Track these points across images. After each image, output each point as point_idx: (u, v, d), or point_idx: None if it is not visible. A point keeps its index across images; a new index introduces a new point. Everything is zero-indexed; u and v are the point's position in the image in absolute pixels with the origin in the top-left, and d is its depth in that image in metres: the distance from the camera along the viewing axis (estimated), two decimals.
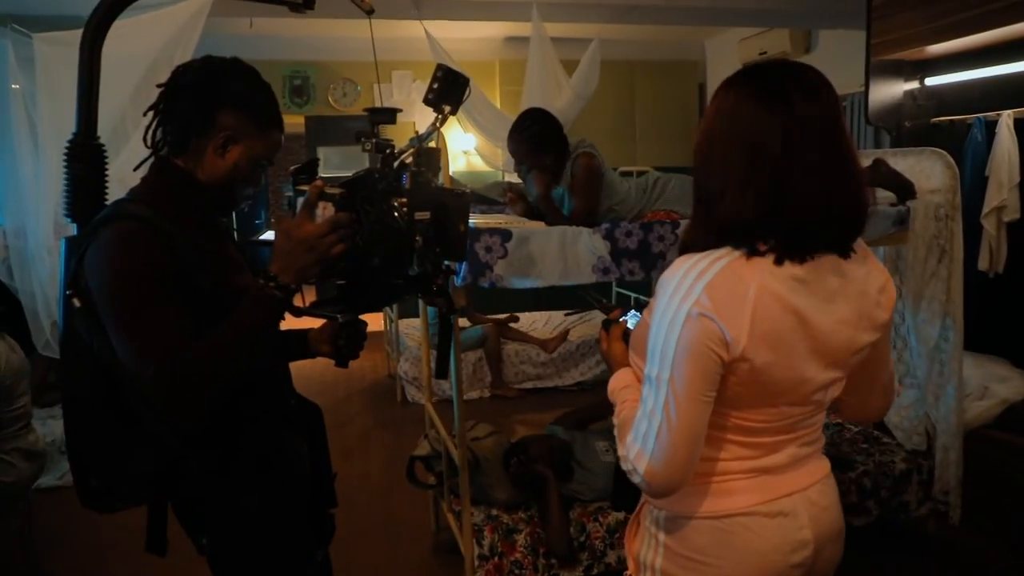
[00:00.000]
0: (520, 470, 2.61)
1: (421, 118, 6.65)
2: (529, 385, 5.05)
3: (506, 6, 4.25)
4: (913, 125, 3.59)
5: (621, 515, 2.58)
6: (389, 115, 1.40)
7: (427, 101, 1.40)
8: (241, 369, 1.15)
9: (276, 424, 1.35)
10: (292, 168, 1.38)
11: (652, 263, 2.50)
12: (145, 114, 1.34)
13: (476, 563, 2.43)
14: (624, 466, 1.07)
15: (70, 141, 1.46)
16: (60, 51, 3.43)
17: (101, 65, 1.51)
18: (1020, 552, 2.78)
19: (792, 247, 1.02)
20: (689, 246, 1.09)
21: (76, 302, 1.20)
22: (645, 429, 1.04)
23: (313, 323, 1.41)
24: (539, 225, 2.48)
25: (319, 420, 1.49)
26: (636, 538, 1.25)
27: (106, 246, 1.17)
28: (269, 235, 2.02)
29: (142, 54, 3.46)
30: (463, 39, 5.95)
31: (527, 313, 5.67)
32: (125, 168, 2.93)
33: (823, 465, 1.21)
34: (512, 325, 5.21)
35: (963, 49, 3.26)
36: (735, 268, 1.01)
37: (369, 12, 1.58)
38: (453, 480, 2.67)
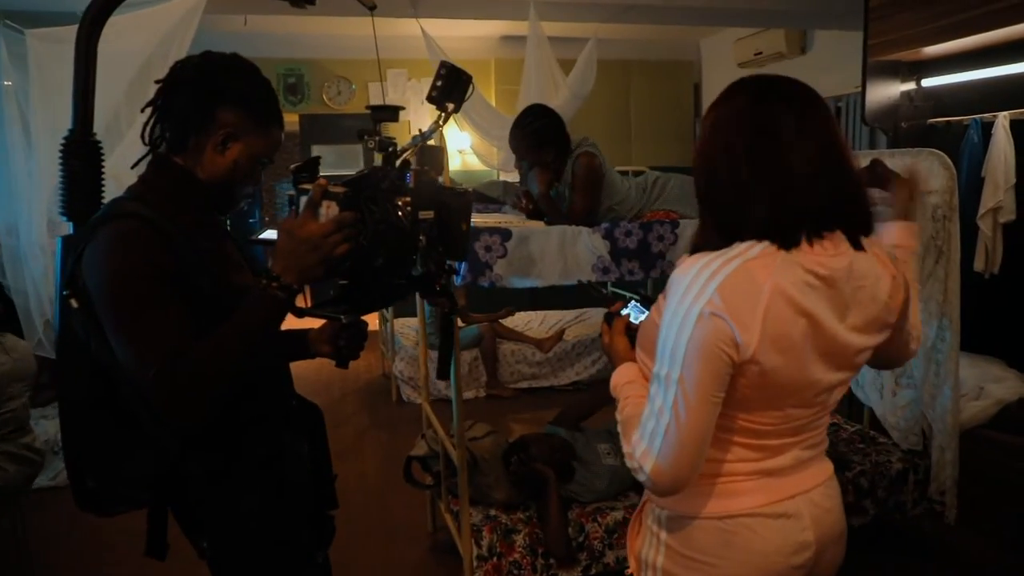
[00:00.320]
0: (520, 469, 2.60)
1: (416, 117, 6.63)
2: (525, 385, 5.04)
3: (503, 4, 4.24)
4: (909, 126, 3.60)
5: (620, 515, 2.57)
6: (391, 113, 1.39)
7: (430, 99, 1.39)
8: (242, 370, 1.14)
9: (277, 425, 1.33)
10: (293, 166, 1.36)
11: (652, 263, 2.49)
12: (143, 110, 1.32)
13: (475, 564, 2.42)
14: (629, 464, 1.07)
15: (66, 138, 1.44)
16: (53, 47, 3.40)
17: (105, 61, 1.49)
18: (1015, 552, 2.79)
19: (797, 239, 1.02)
20: (699, 248, 1.08)
21: (74, 302, 1.18)
22: (652, 427, 1.03)
23: (312, 323, 1.39)
24: (539, 224, 2.48)
25: (320, 421, 1.47)
26: (638, 537, 1.25)
27: (104, 245, 1.15)
28: (268, 234, 2.00)
29: (137, 51, 3.43)
30: (459, 37, 5.94)
31: (523, 313, 5.66)
32: (119, 166, 2.92)
33: (826, 467, 1.21)
34: (507, 324, 5.19)
35: (960, 51, 3.26)
36: (748, 268, 1.00)
37: (372, 8, 1.56)
38: (451, 480, 2.66)
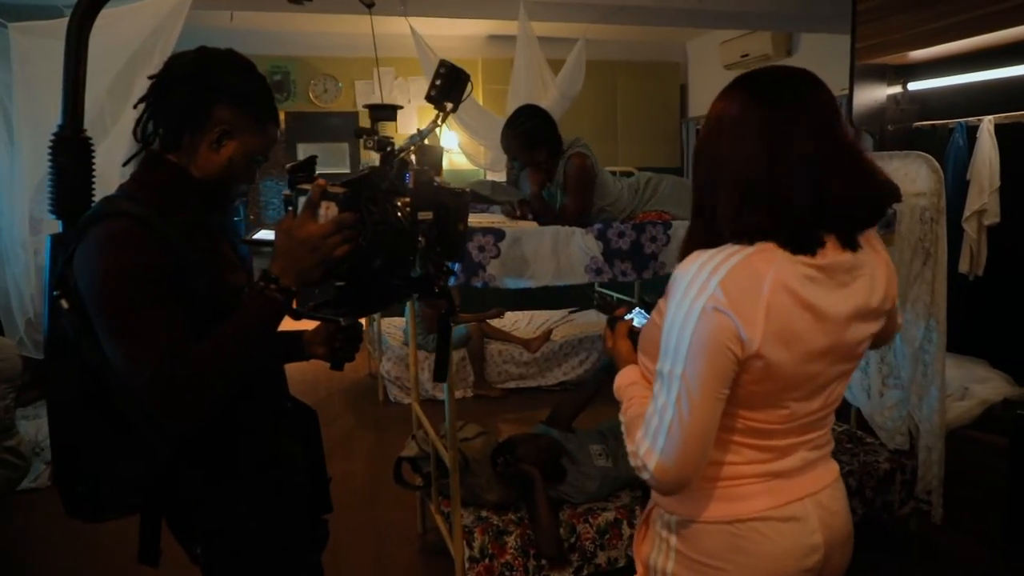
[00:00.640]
0: (507, 470, 2.59)
1: (402, 117, 6.59)
2: (512, 385, 5.03)
3: (494, 4, 4.23)
4: (896, 129, 3.63)
5: (611, 516, 2.57)
6: (390, 112, 1.38)
7: (429, 98, 1.38)
8: (240, 373, 1.12)
9: (272, 428, 1.31)
10: (289, 166, 1.35)
11: (644, 264, 2.49)
12: (135, 106, 1.30)
13: (466, 565, 2.40)
14: (633, 463, 1.06)
15: (55, 134, 1.41)
16: (36, 41, 3.34)
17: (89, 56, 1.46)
18: (999, 551, 2.83)
19: (799, 241, 1.02)
20: (695, 246, 1.08)
21: (64, 303, 1.15)
22: (656, 425, 1.03)
23: (301, 323, 1.37)
24: (532, 225, 2.47)
25: (314, 423, 1.45)
26: (645, 542, 1.24)
27: (96, 245, 1.12)
28: (261, 234, 1.97)
29: (122, 46, 3.39)
30: (446, 36, 5.91)
31: (510, 313, 5.66)
32: (104, 163, 2.86)
33: (833, 469, 1.21)
34: (495, 324, 5.18)
35: (945, 55, 3.30)
36: (750, 262, 1.00)
37: (370, 5, 1.55)
38: (442, 481, 2.64)
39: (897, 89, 3.61)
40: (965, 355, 3.33)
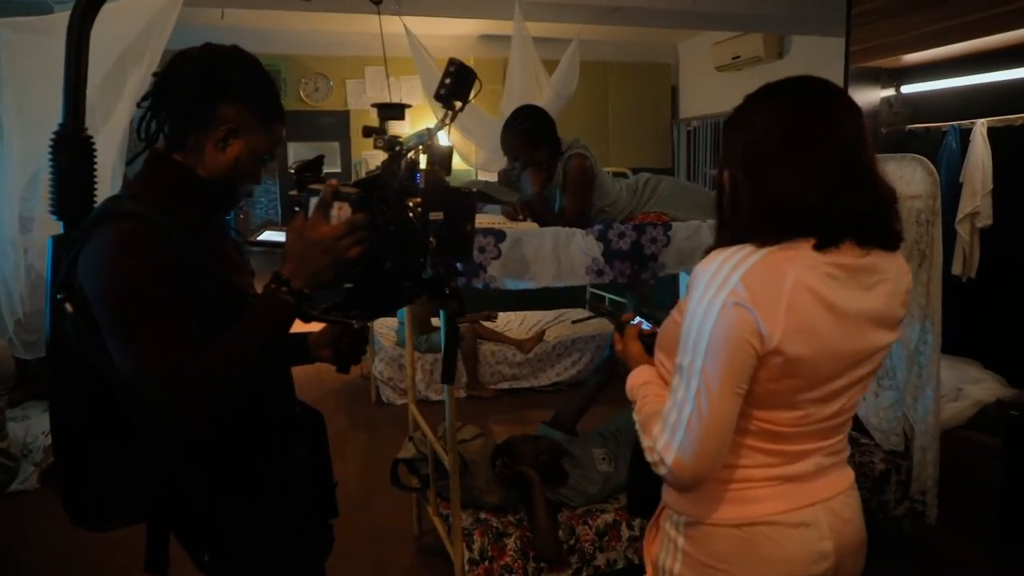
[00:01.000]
0: (504, 472, 2.58)
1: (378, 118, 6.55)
2: (505, 385, 5.02)
3: (489, 4, 4.22)
4: (889, 132, 3.65)
5: (610, 518, 2.57)
6: (398, 110, 1.36)
7: (438, 96, 1.36)
8: (250, 378, 1.10)
9: (281, 433, 1.29)
10: (295, 165, 1.33)
11: (644, 265, 2.50)
12: (139, 104, 1.28)
13: (466, 567, 2.39)
14: (650, 458, 1.05)
15: (56, 133, 1.38)
16: (26, 37, 3.29)
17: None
18: (993, 550, 2.85)
19: (823, 239, 1.03)
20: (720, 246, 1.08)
21: (68, 307, 1.13)
22: (674, 419, 1.02)
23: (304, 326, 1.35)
24: (532, 226, 2.46)
25: (322, 427, 1.43)
26: (655, 543, 1.24)
27: (103, 247, 1.10)
28: (267, 235, 1.93)
29: (113, 43, 3.34)
30: (438, 36, 5.89)
31: (502, 313, 5.65)
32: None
33: (848, 476, 1.21)
34: (488, 325, 5.17)
35: (938, 59, 3.32)
36: (772, 259, 1.01)
37: (377, 3, 1.53)
38: (440, 483, 2.63)
39: (890, 92, 3.63)
40: (958, 356, 3.36)
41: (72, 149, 1.36)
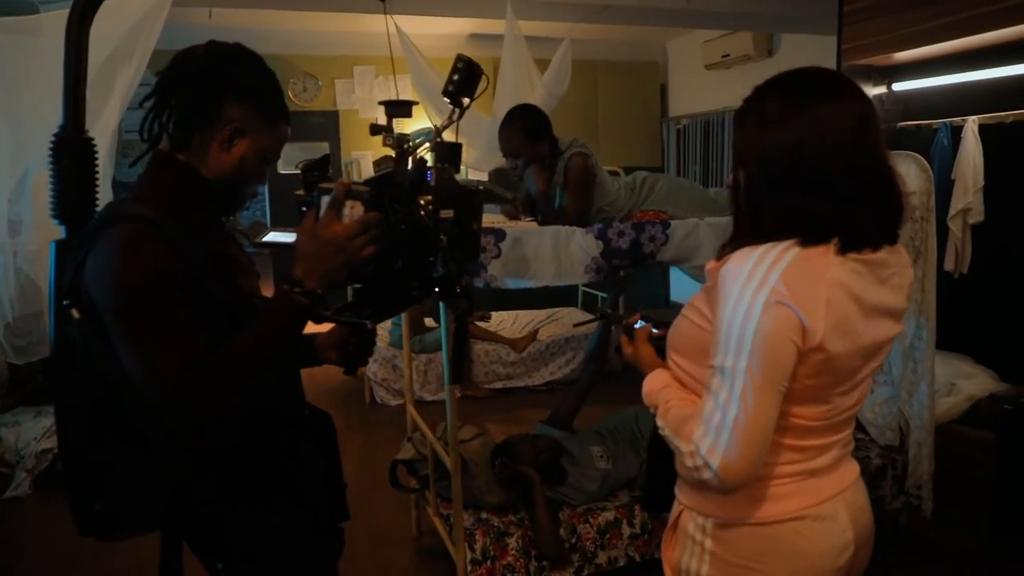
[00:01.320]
0: (504, 472, 2.58)
1: (383, 116, 6.53)
2: (499, 385, 5.01)
3: (480, 2, 4.21)
4: (881, 129, 3.67)
5: (611, 516, 2.57)
6: (405, 108, 1.35)
7: (447, 93, 1.35)
8: (264, 381, 1.08)
9: (293, 436, 1.28)
10: (302, 164, 1.32)
11: (642, 263, 2.50)
12: (142, 104, 1.26)
13: (468, 568, 2.38)
14: (691, 463, 1.03)
15: (56, 135, 1.36)
16: (11, 38, 3.25)
17: (61, 54, 1.39)
18: (988, 543, 2.88)
19: (856, 240, 1.04)
20: (739, 244, 1.08)
21: (75, 312, 1.11)
22: (718, 422, 1.01)
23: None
24: (531, 225, 2.46)
25: (331, 429, 1.42)
26: (675, 547, 1.23)
27: (110, 251, 1.07)
28: (272, 236, 1.91)
29: (100, 43, 3.29)
30: (427, 35, 5.87)
31: (495, 313, 5.64)
32: None
33: (855, 466, 1.22)
34: (481, 324, 5.16)
35: (930, 56, 3.34)
36: (808, 256, 1.01)
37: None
38: (440, 484, 2.62)
39: (882, 90, 3.65)
40: (950, 351, 3.38)
41: (73, 151, 1.34)
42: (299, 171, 1.34)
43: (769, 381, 1.00)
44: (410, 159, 1.31)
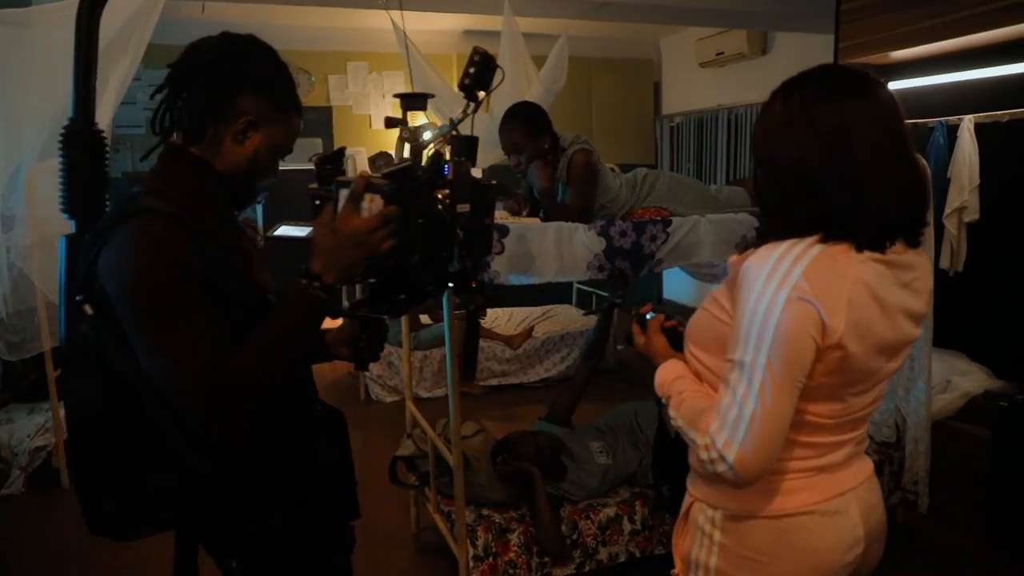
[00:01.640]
0: (506, 468, 2.58)
1: (377, 111, 6.51)
2: (494, 382, 5.01)
3: None
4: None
5: (612, 512, 2.58)
6: (420, 101, 1.34)
7: (463, 86, 1.34)
8: (284, 377, 1.07)
9: (308, 434, 1.27)
10: (315, 157, 1.30)
11: (642, 263, 2.50)
12: (152, 97, 1.24)
13: (471, 564, 2.38)
14: (705, 455, 1.04)
15: (66, 127, 1.34)
16: (4, 30, 3.21)
17: (56, 48, 1.38)
18: (984, 539, 2.91)
19: (880, 238, 1.04)
20: (765, 240, 1.08)
21: (88, 309, 1.09)
22: (735, 416, 1.02)
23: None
24: (534, 221, 2.46)
25: (343, 427, 1.41)
26: (685, 538, 1.23)
27: (126, 246, 1.06)
28: (284, 230, 1.88)
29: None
30: (421, 31, 5.85)
31: (490, 309, 5.63)
32: None
33: (868, 464, 1.23)
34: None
35: (926, 55, 3.36)
36: (831, 254, 1.02)
37: None
38: (442, 480, 2.61)
39: None
40: (945, 348, 3.41)
41: (83, 144, 1.33)
42: (312, 165, 1.33)
43: (787, 377, 1.01)
44: (424, 153, 1.30)
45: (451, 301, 2.34)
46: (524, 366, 5.07)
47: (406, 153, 1.30)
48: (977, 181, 3.31)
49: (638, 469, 2.74)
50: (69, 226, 1.33)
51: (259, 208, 6.38)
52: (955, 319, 3.36)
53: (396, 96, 1.34)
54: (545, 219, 2.55)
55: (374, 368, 4.75)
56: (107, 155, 1.35)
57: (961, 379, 3.26)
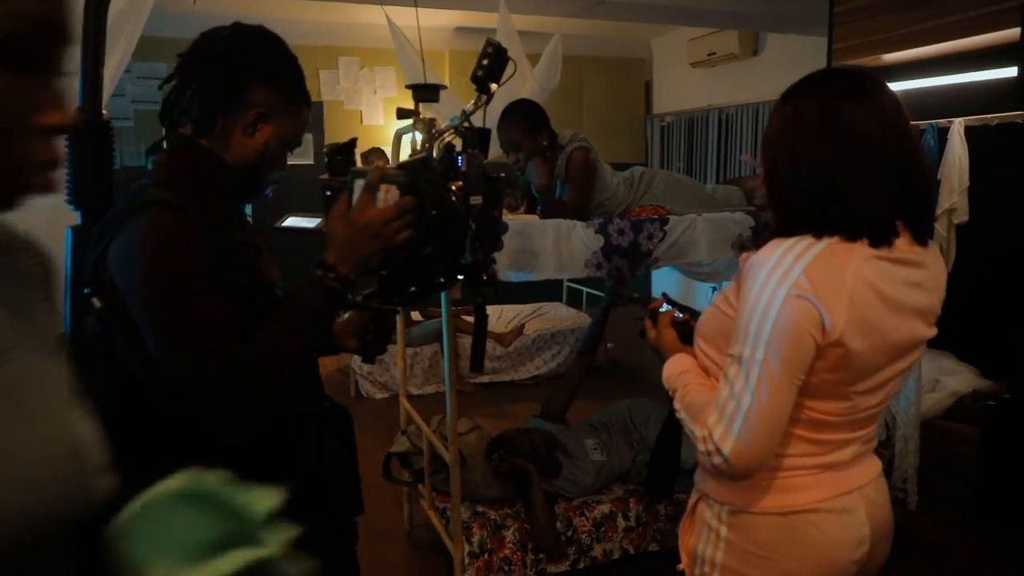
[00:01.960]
0: (501, 465, 2.58)
1: (368, 106, 6.49)
2: (485, 379, 5.01)
3: None
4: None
5: (606, 508, 2.59)
6: (433, 92, 1.34)
7: (475, 78, 1.34)
8: (298, 370, 1.07)
9: (316, 430, 1.26)
10: (326, 149, 1.30)
11: (639, 261, 2.51)
12: (160, 87, 1.23)
13: (466, 561, 2.38)
14: (703, 447, 1.06)
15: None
16: None
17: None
18: (972, 535, 2.95)
19: (878, 234, 1.05)
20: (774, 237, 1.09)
21: (96, 301, 1.09)
22: (732, 409, 1.03)
23: None
24: (533, 218, 2.46)
25: (349, 423, 1.41)
26: (692, 533, 1.25)
27: (138, 238, 1.05)
28: (291, 221, 1.87)
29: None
30: (412, 27, 5.83)
31: None
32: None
33: (877, 463, 1.24)
34: (467, 319, 5.15)
35: (917, 58, 3.40)
36: (834, 251, 1.03)
37: None
38: (437, 477, 2.61)
39: None
40: (933, 348, 3.45)
41: (91, 135, 1.32)
42: (296, 160, 1.32)
43: (784, 374, 1.02)
44: (436, 144, 1.30)
45: (449, 297, 2.34)
46: (515, 363, 5.08)
47: (403, 149, 1.30)
48: (967, 183, 3.36)
49: (632, 466, 2.76)
50: (55, 217, 1.31)
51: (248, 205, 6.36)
52: (944, 319, 3.38)
53: (408, 87, 1.34)
54: (543, 216, 2.55)
55: (364, 365, 4.74)
56: (114, 146, 1.34)
57: (949, 379, 3.30)
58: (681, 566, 1.26)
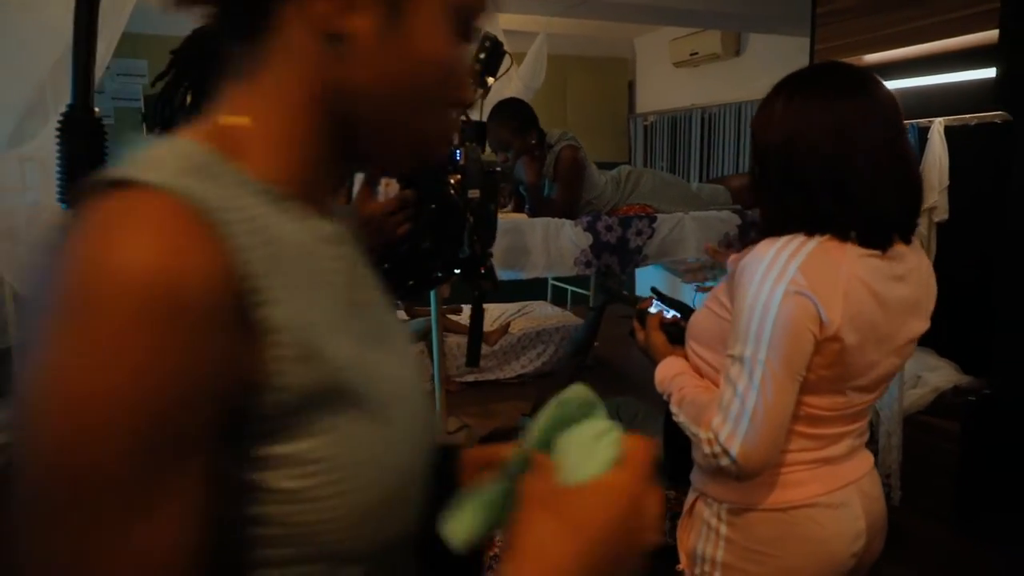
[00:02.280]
0: None
1: None
2: (471, 378, 5.01)
3: None
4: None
5: None
6: None
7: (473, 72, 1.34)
8: None
9: None
10: None
11: (629, 258, 2.53)
12: (153, 84, 1.21)
13: None
14: (709, 450, 1.06)
15: (64, 114, 1.31)
16: None
17: (27, 35, 1.35)
18: (954, 528, 3.00)
19: (875, 234, 1.06)
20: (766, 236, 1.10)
21: None
22: (737, 410, 1.04)
23: None
24: (522, 216, 2.47)
25: None
26: (690, 533, 1.25)
27: None
28: None
29: (66, 27, 3.18)
30: None
31: (465, 306, 5.62)
32: (45, 148, 2.69)
33: (869, 457, 1.26)
34: (453, 317, 5.15)
35: (898, 59, 3.46)
36: (826, 249, 1.04)
37: None
38: None
39: None
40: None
41: (82, 131, 1.30)
42: None
43: (787, 370, 1.03)
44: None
45: (439, 294, 2.34)
46: (500, 362, 5.08)
47: None
48: (947, 182, 3.40)
49: None
50: (40, 216, 1.29)
51: None
52: None
53: None
54: (531, 214, 2.56)
55: None
56: (106, 143, 1.32)
57: (931, 374, 3.35)
58: (680, 566, 1.27)
